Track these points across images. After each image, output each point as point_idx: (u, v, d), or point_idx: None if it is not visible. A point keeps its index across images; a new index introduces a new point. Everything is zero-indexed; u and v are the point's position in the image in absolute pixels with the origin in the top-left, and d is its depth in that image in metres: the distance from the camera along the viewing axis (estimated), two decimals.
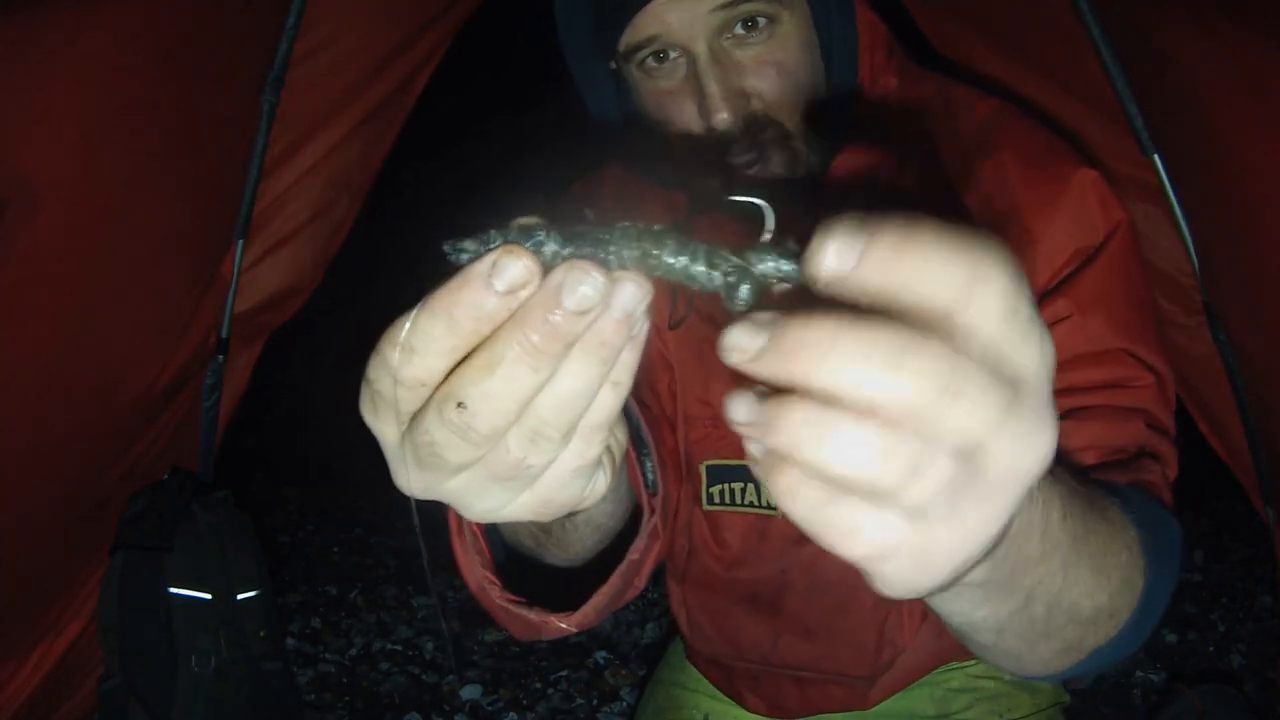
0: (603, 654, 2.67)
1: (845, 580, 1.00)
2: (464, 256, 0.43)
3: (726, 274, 0.42)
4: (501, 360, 0.40)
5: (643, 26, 0.88)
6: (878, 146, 0.95)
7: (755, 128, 0.91)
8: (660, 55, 0.91)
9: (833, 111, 0.95)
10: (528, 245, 0.42)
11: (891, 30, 1.00)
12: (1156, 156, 1.51)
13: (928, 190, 0.92)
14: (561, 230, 0.43)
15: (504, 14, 1.92)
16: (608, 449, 0.51)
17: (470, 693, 2.49)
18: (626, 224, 0.43)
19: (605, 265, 0.43)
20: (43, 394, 1.39)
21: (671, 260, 0.43)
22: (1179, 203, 1.52)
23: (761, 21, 0.89)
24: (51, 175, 1.22)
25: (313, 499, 3.81)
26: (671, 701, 1.26)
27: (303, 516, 3.65)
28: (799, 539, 1.00)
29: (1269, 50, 1.07)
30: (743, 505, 1.04)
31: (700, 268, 0.43)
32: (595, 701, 2.47)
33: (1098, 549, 0.61)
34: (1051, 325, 0.85)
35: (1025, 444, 0.36)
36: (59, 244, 1.29)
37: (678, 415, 1.05)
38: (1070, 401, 0.83)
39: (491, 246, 0.43)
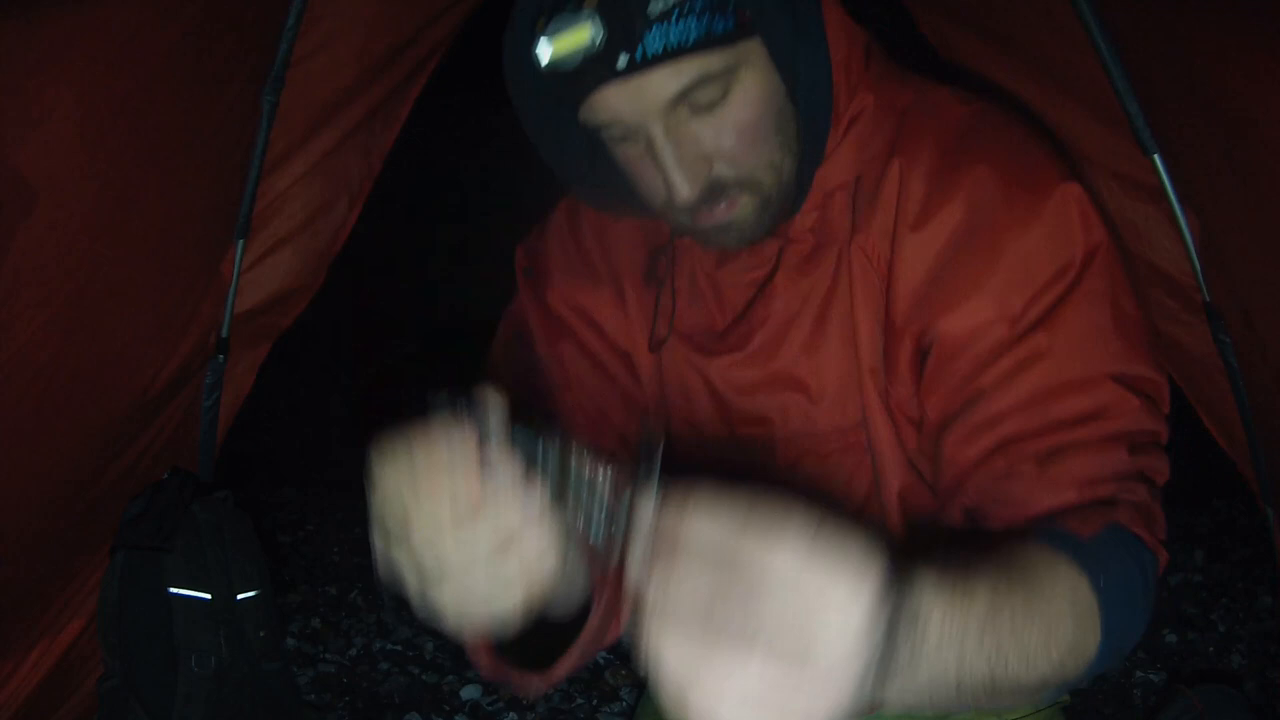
0: (603, 654, 2.67)
1: None
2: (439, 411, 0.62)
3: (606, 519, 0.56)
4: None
5: (596, 110, 0.84)
6: (851, 167, 0.93)
7: (720, 188, 0.88)
8: (621, 133, 0.87)
9: (806, 142, 0.91)
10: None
11: (880, 31, 0.98)
12: (1156, 156, 1.51)
13: (898, 208, 0.90)
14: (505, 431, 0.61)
15: (504, 14, 1.92)
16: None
17: (470, 693, 2.49)
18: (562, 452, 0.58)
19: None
20: (41, 392, 1.39)
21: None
22: (1179, 203, 1.52)
23: (715, 95, 0.84)
24: (50, 175, 1.22)
25: (313, 499, 3.80)
26: None
27: (303, 516, 3.65)
28: None
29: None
30: None
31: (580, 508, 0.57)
32: (595, 701, 2.47)
33: (1023, 626, 0.62)
34: (1032, 361, 0.84)
35: (813, 696, 0.47)
36: (57, 243, 1.29)
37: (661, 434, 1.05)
38: (1050, 441, 0.82)
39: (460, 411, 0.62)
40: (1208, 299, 1.57)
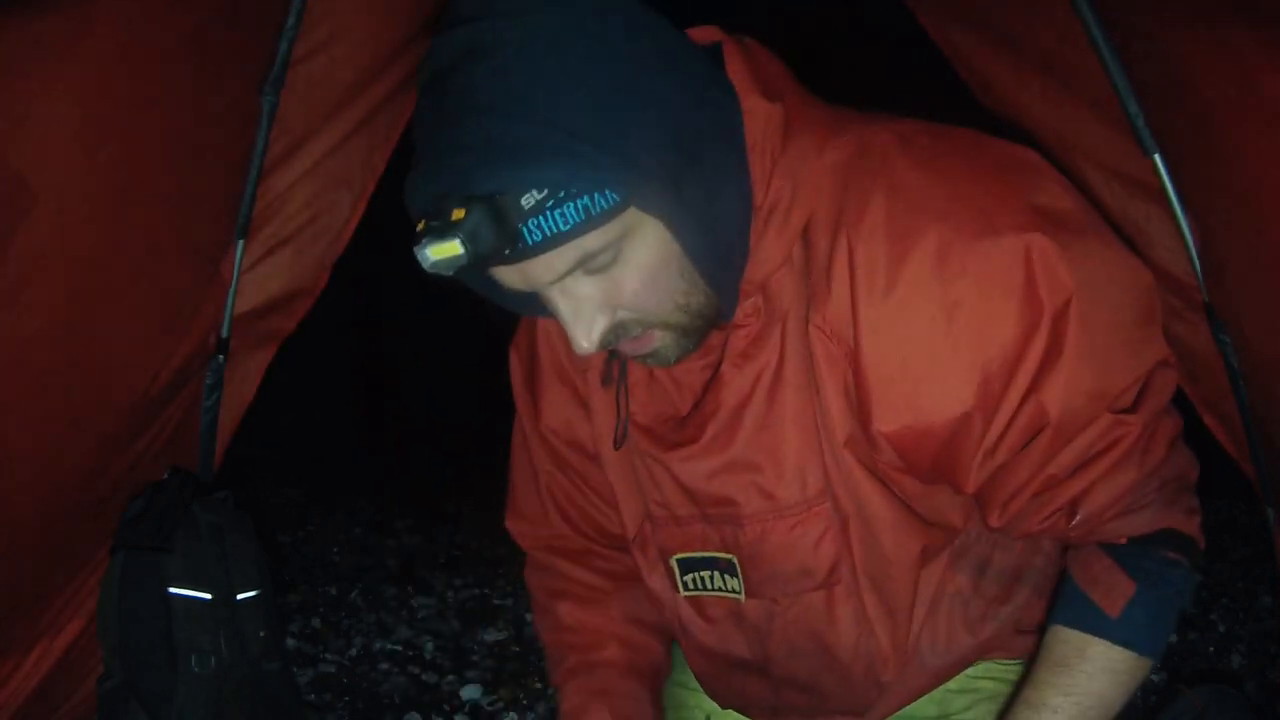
0: None
1: (816, 649, 1.05)
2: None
3: None
4: None
5: (495, 277, 0.85)
6: (781, 250, 0.90)
7: (624, 329, 0.87)
8: None
9: (721, 270, 0.88)
10: None
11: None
12: (1157, 156, 1.51)
13: (854, 280, 0.86)
14: None
15: None
16: None
17: (470, 693, 2.49)
18: None
19: None
20: (41, 392, 1.39)
21: None
22: (1179, 202, 1.52)
23: (604, 263, 0.82)
24: (50, 175, 1.22)
25: (313, 499, 3.81)
26: (673, 701, 1.26)
27: (303, 516, 3.65)
28: (768, 621, 1.05)
29: (1263, 46, 1.07)
30: (714, 590, 1.08)
31: None
32: None
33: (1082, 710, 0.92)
34: (1035, 431, 0.88)
35: None
36: (56, 243, 1.29)
37: (640, 518, 1.10)
38: (1070, 491, 0.90)
39: None
40: (1207, 299, 1.57)
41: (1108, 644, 0.91)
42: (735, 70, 0.88)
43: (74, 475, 1.59)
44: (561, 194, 0.75)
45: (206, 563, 1.75)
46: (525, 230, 0.75)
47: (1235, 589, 2.71)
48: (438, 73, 0.79)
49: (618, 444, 1.06)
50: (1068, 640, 0.93)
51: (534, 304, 0.90)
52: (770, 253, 0.90)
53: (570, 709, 1.17)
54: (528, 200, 0.74)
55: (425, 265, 0.78)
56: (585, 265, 0.81)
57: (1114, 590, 0.91)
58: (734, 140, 0.87)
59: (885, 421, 0.89)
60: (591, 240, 0.78)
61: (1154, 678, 2.32)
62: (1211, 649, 2.46)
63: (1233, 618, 2.58)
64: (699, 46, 0.89)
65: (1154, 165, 1.52)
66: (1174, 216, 1.54)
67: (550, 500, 1.18)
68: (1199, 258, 1.54)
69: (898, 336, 0.86)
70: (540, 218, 0.75)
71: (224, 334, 1.86)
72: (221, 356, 1.87)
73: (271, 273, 1.89)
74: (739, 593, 1.05)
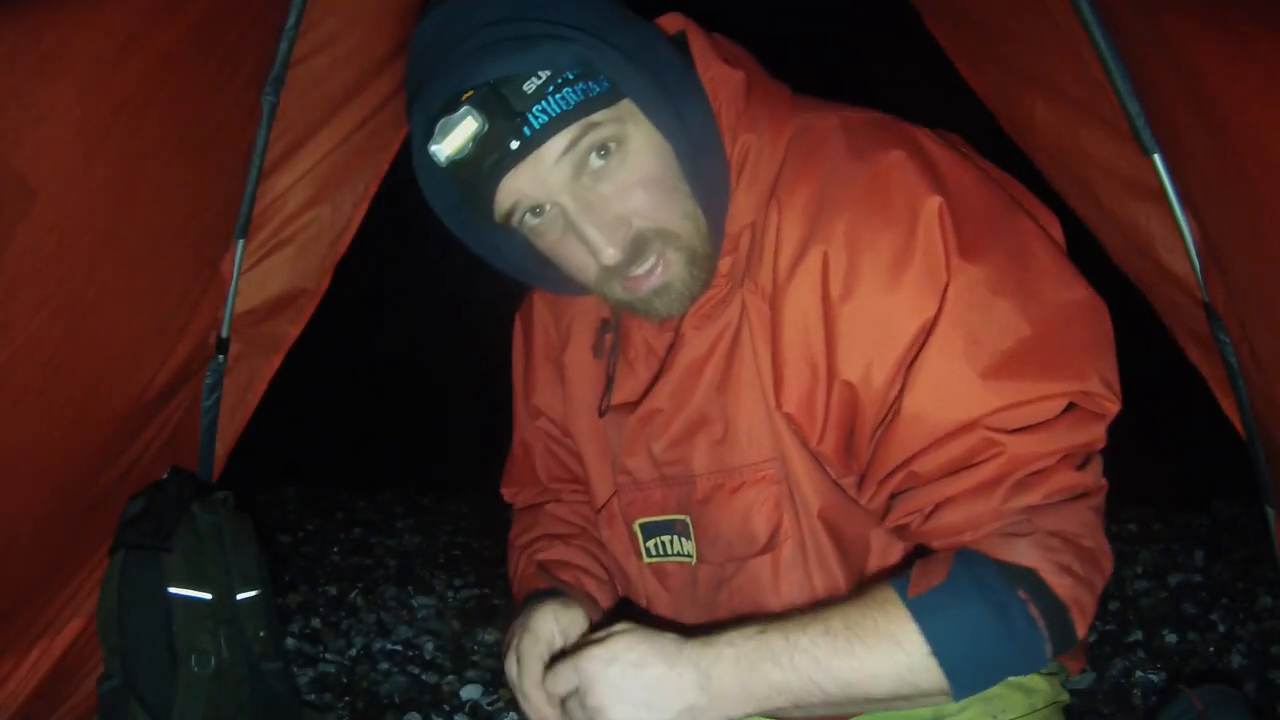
0: None
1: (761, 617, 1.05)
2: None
3: None
4: None
5: (503, 199, 0.89)
6: (752, 207, 0.94)
7: (644, 245, 0.91)
8: (536, 210, 0.90)
9: (708, 190, 0.93)
10: None
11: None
12: (1156, 156, 1.51)
13: (776, 256, 0.91)
14: None
15: None
16: None
17: (470, 693, 2.49)
18: None
19: None
20: (39, 391, 1.39)
21: None
22: (1179, 202, 1.52)
23: (611, 147, 0.87)
24: (49, 174, 1.22)
25: (313, 499, 3.81)
26: None
27: (303, 516, 3.65)
28: (715, 591, 1.06)
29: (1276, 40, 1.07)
30: (673, 555, 1.09)
31: None
32: None
33: (834, 658, 0.82)
34: (899, 422, 0.88)
35: None
36: (56, 243, 1.29)
37: (610, 487, 1.13)
38: (931, 496, 0.87)
39: None
40: (1206, 299, 1.57)
41: (907, 615, 0.83)
42: (697, 46, 0.94)
43: (73, 475, 1.59)
44: (560, 79, 0.82)
45: (206, 563, 1.75)
46: (531, 116, 0.82)
47: (1235, 589, 2.71)
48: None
49: (603, 412, 1.09)
50: (882, 590, 0.86)
51: (542, 264, 0.96)
52: (743, 206, 0.94)
53: (533, 549, 1.18)
54: (529, 85, 0.82)
55: (441, 159, 0.85)
56: (593, 163, 0.86)
57: (928, 574, 0.86)
58: (700, 94, 0.92)
59: (800, 370, 0.92)
60: (593, 122, 0.85)
61: (1154, 678, 2.32)
62: (1211, 649, 2.46)
63: (1233, 618, 2.58)
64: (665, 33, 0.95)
65: (1153, 165, 1.52)
66: (1173, 216, 1.55)
67: (542, 463, 1.23)
68: (1198, 257, 1.54)
69: (801, 313, 0.90)
70: (545, 101, 0.82)
71: (224, 334, 1.86)
72: (221, 356, 1.87)
73: (272, 273, 1.89)
74: (692, 556, 1.06)
